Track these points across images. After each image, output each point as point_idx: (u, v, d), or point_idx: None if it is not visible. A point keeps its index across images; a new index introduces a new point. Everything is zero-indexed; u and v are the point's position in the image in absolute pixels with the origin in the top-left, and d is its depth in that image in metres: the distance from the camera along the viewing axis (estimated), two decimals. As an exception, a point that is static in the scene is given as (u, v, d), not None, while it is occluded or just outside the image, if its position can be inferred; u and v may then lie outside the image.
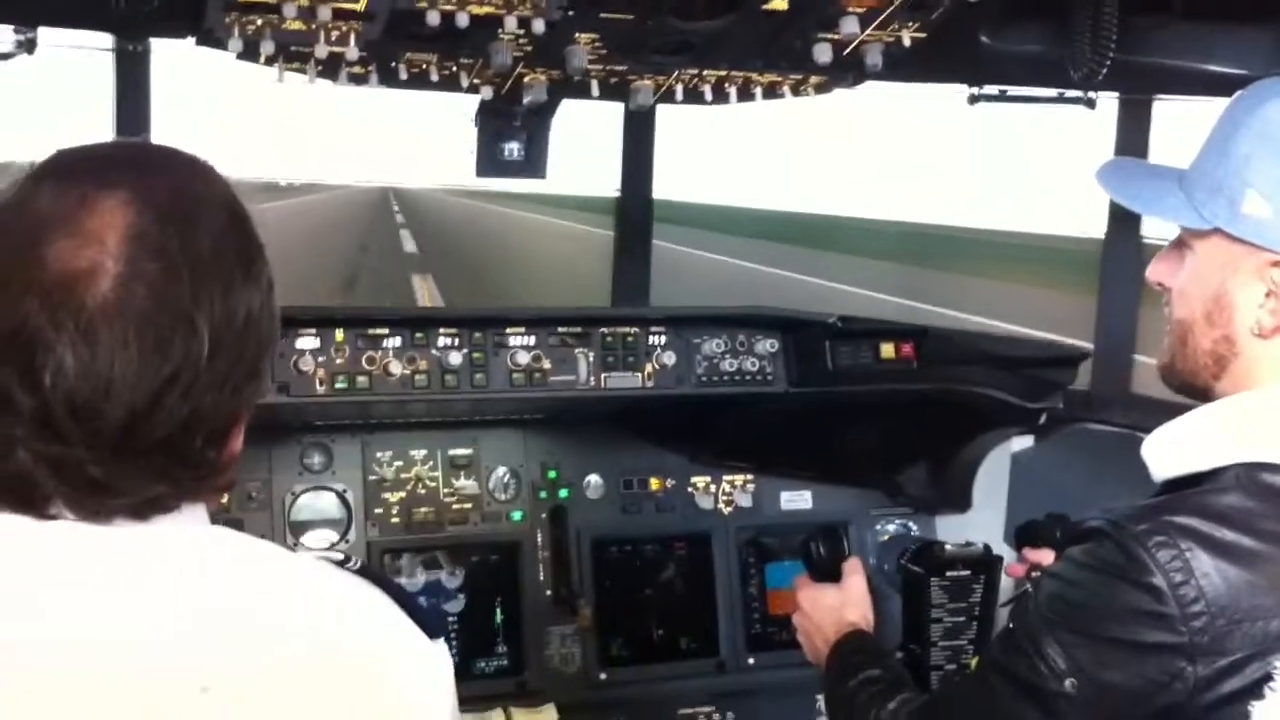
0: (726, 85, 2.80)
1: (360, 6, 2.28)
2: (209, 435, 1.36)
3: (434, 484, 3.44)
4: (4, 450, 1.29)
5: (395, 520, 3.38)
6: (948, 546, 3.06)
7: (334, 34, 2.36)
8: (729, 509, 3.68)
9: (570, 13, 2.38)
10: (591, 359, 3.27)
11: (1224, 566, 1.69)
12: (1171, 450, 1.88)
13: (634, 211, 4.10)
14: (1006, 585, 3.07)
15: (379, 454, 3.40)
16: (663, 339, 3.34)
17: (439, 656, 1.48)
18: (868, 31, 2.51)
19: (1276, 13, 2.68)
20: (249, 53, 2.40)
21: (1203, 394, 1.92)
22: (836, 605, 2.86)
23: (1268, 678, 1.66)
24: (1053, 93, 3.45)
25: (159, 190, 1.35)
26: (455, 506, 3.45)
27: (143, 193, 1.33)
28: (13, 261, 1.29)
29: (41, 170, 1.37)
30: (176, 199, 1.36)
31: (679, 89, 2.81)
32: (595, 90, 2.77)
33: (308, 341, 3.03)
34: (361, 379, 3.07)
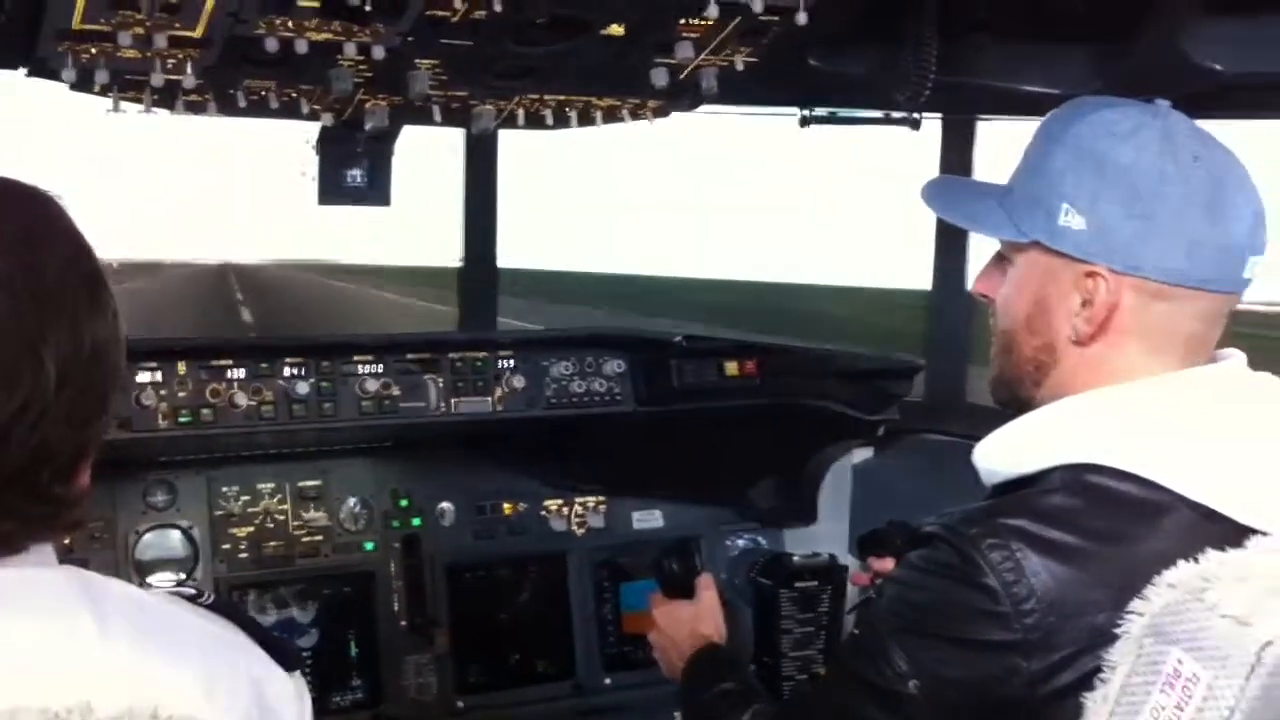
0: (567, 109, 2.83)
1: (197, 33, 2.24)
2: (57, 470, 1.34)
3: (283, 517, 3.37)
4: None
5: (244, 556, 3.31)
6: (795, 558, 3.13)
7: (170, 61, 2.32)
8: (582, 530, 3.70)
9: (410, 39, 2.38)
10: (441, 384, 3.26)
11: (1053, 565, 1.73)
12: (1000, 455, 1.93)
13: (478, 260, 4.12)
14: (853, 594, 3.15)
15: (225, 488, 3.32)
16: (511, 363, 3.35)
17: (296, 688, 1.47)
18: (702, 56, 2.57)
19: (1086, 36, 2.82)
20: (83, 83, 2.35)
21: (1027, 403, 1.98)
22: (690, 620, 2.89)
23: (1098, 670, 1.70)
24: (880, 114, 3.56)
25: (2, 221, 1.33)
26: (305, 539, 3.39)
27: None
28: None
29: None
30: (20, 230, 1.33)
31: (520, 113, 2.84)
32: (437, 115, 2.77)
33: (149, 375, 2.96)
34: (205, 412, 3.02)
